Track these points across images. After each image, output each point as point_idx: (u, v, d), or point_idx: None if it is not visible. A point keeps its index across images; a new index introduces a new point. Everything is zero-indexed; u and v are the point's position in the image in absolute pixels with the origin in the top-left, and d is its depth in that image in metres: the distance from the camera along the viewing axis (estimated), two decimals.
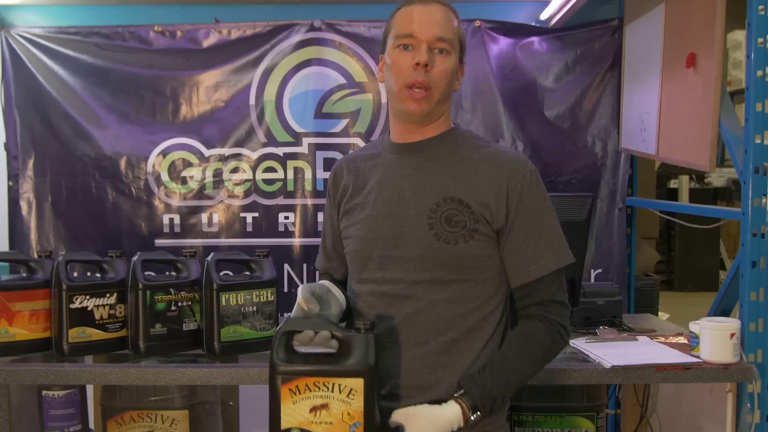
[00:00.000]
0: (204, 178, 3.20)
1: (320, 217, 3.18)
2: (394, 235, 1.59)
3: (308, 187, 3.20)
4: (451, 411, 1.50)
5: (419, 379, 1.57)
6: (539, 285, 1.57)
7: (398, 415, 1.51)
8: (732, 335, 2.08)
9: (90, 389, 2.58)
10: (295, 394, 1.44)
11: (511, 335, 1.60)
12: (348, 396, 1.44)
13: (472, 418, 1.50)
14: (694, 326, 2.17)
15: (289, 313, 1.65)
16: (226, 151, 3.19)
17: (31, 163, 3.18)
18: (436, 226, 1.56)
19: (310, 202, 3.20)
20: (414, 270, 1.57)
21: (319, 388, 1.44)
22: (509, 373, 1.54)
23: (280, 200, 3.21)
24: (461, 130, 1.68)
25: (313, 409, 1.44)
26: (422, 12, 1.57)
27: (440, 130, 1.64)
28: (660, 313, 3.30)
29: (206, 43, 3.19)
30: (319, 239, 1.89)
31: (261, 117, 3.18)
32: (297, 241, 3.20)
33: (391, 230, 1.60)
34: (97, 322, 2.21)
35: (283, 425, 1.45)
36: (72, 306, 2.18)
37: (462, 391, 1.52)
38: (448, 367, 1.56)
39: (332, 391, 1.44)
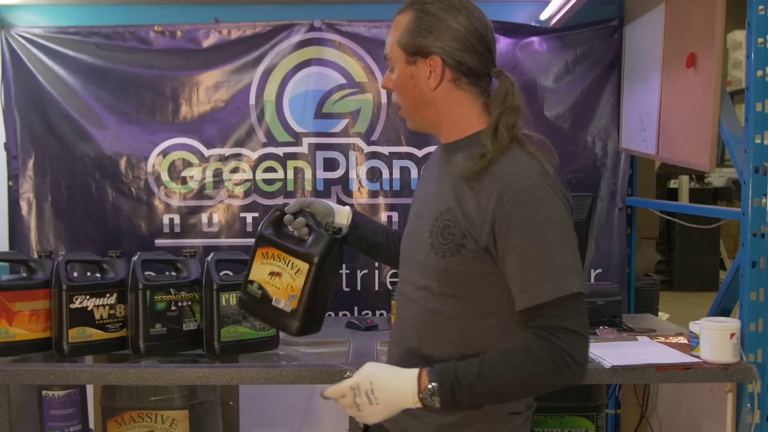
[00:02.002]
0: (204, 178, 3.20)
1: None
2: (415, 235, 1.59)
3: (308, 187, 3.20)
4: (408, 371, 1.43)
5: None
6: (541, 312, 1.39)
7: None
8: (732, 335, 2.08)
9: (90, 389, 2.58)
10: (264, 258, 1.81)
11: (507, 343, 1.45)
12: (296, 273, 1.77)
13: (429, 386, 1.39)
14: (694, 326, 2.17)
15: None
16: (226, 151, 3.19)
17: (31, 163, 3.17)
18: (434, 235, 1.50)
19: None
20: (420, 275, 1.53)
21: (280, 260, 1.79)
22: (487, 368, 1.40)
23: (280, 200, 3.20)
24: (489, 132, 1.53)
25: (271, 274, 1.79)
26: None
27: (469, 131, 1.54)
28: (660, 313, 3.30)
29: (206, 43, 3.19)
30: None
31: (261, 117, 3.18)
32: None
33: (414, 231, 1.60)
34: (97, 322, 2.22)
35: (251, 277, 1.81)
36: (72, 306, 2.18)
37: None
38: None
39: (287, 265, 1.78)
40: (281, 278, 1.79)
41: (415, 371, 1.43)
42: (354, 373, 1.49)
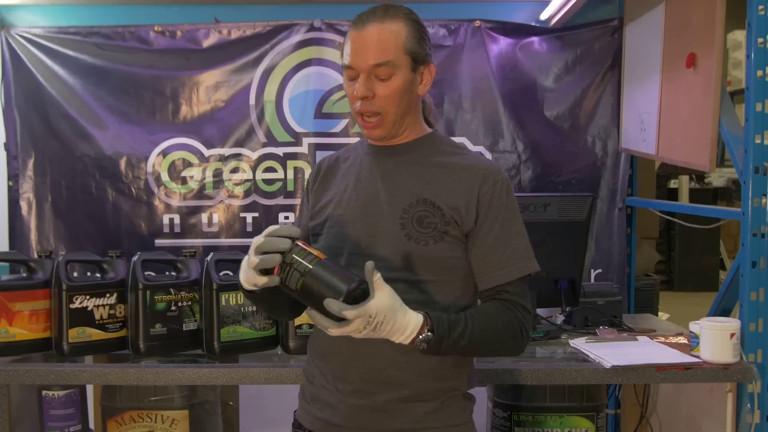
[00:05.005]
0: (204, 178, 3.20)
1: None
2: (367, 234, 1.60)
3: None
4: (415, 316, 1.47)
5: (387, 376, 1.57)
6: (507, 287, 1.58)
7: (379, 280, 1.43)
8: (732, 335, 2.08)
9: (90, 389, 2.58)
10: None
11: (481, 304, 1.61)
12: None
13: (425, 335, 1.47)
14: (694, 326, 2.17)
15: None
16: (226, 151, 3.19)
17: (31, 163, 3.18)
18: (407, 226, 1.57)
19: None
20: (386, 269, 1.52)
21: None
22: (471, 326, 1.51)
23: (280, 200, 3.21)
24: (438, 136, 1.70)
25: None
26: (357, 39, 1.56)
27: (414, 135, 1.65)
28: (660, 313, 3.30)
29: (206, 43, 3.19)
30: None
31: (261, 117, 3.18)
32: None
33: (365, 229, 1.61)
34: (97, 322, 2.22)
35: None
36: (72, 306, 2.18)
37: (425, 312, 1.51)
38: (414, 365, 1.56)
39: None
40: None
41: (420, 318, 1.47)
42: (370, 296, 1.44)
